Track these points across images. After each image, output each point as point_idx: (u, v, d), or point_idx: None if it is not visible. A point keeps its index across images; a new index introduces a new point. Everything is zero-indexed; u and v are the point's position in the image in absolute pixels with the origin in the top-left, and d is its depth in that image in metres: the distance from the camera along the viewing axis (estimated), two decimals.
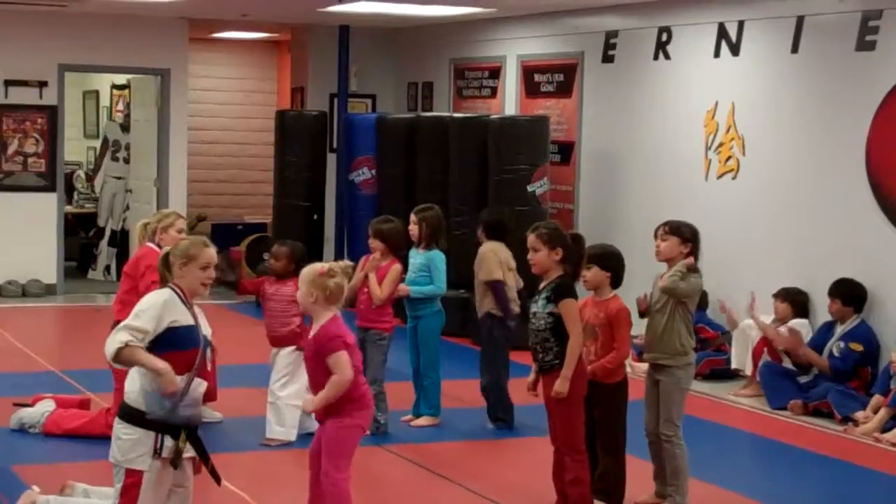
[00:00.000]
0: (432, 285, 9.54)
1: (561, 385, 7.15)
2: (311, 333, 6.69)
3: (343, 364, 6.48)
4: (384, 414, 9.22)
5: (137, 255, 9.11)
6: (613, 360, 7.54)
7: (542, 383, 7.35)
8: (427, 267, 9.55)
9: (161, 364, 6.56)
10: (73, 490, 7.05)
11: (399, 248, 9.37)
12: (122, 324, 6.60)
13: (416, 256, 9.68)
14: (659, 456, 7.70)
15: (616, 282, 7.68)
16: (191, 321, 6.79)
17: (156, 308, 6.65)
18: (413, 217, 9.70)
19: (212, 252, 6.92)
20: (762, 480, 8.63)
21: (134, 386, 6.71)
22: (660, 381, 7.63)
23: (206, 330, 6.93)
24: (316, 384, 6.62)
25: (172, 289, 6.79)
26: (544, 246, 7.32)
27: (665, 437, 7.59)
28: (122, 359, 6.53)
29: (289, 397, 8.97)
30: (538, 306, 7.31)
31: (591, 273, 7.61)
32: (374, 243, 9.32)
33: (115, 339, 6.52)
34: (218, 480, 6.98)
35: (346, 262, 6.96)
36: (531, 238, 7.40)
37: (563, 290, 7.26)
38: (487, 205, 13.50)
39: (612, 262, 7.67)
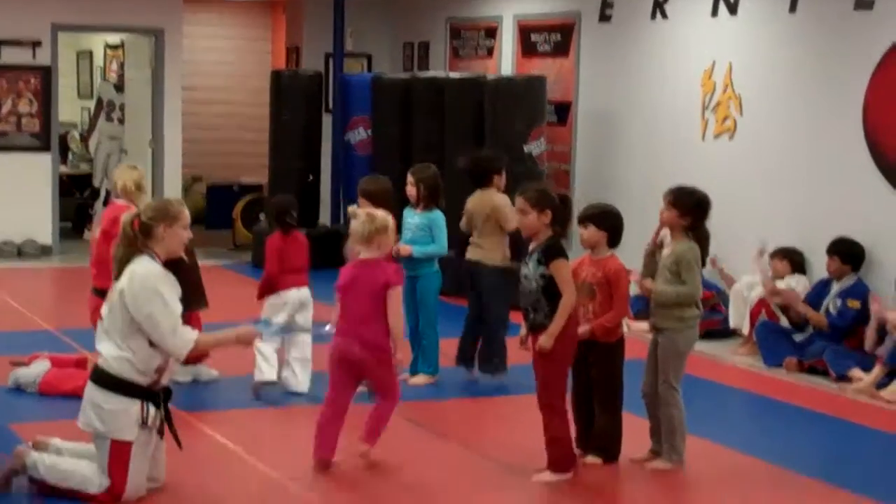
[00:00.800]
0: (434, 245, 9.53)
1: (546, 340, 7.17)
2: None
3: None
4: None
5: (115, 213, 8.80)
6: (612, 318, 7.57)
7: (531, 342, 7.37)
8: (427, 227, 9.54)
9: (228, 336, 6.82)
10: (46, 447, 6.95)
11: (387, 207, 9.31)
12: (171, 322, 6.56)
13: (414, 216, 9.66)
14: (655, 414, 7.72)
15: (613, 241, 7.68)
16: (175, 288, 6.78)
17: (169, 286, 6.65)
18: (410, 178, 9.67)
19: (188, 211, 6.92)
20: (757, 437, 8.65)
21: (111, 351, 6.65)
22: (659, 344, 7.64)
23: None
24: None
25: (151, 256, 6.72)
26: (533, 209, 7.29)
27: (663, 397, 7.61)
28: (197, 351, 6.74)
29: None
30: (529, 268, 7.30)
31: (588, 232, 7.62)
32: (362, 203, 9.25)
33: (185, 340, 6.61)
34: (179, 444, 6.94)
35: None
36: (519, 201, 7.39)
37: (553, 251, 7.25)
38: None
39: (609, 222, 7.67)
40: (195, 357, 9.24)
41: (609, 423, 7.65)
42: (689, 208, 7.59)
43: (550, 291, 7.21)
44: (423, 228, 9.55)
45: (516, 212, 7.46)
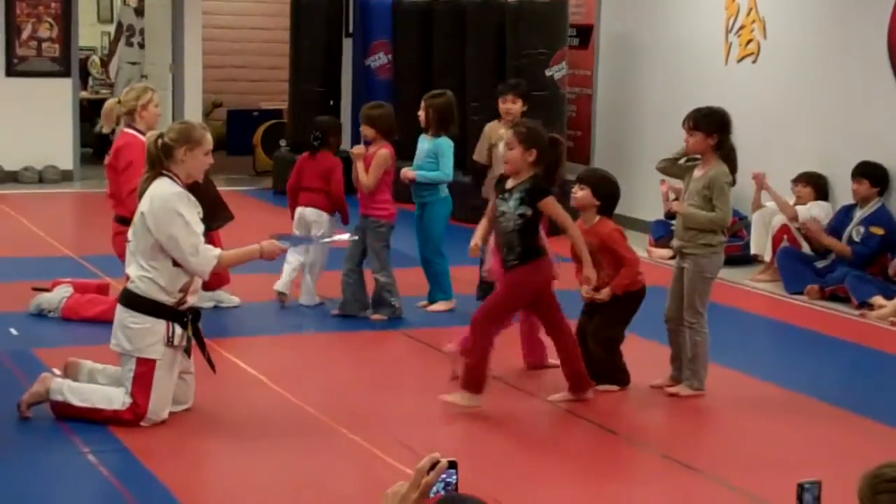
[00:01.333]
0: (438, 171, 9.49)
1: (606, 293, 7.60)
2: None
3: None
4: (396, 298, 9.27)
5: (118, 144, 8.88)
6: (626, 275, 7.63)
7: (502, 275, 7.45)
8: (434, 153, 9.51)
9: (252, 248, 6.81)
10: (78, 369, 7.03)
11: (390, 133, 9.29)
12: (193, 241, 6.59)
13: (424, 142, 9.65)
14: (676, 342, 7.73)
15: (606, 209, 7.70)
16: (199, 210, 6.81)
17: (190, 207, 6.67)
18: (423, 103, 9.65)
19: (210, 136, 6.93)
20: (778, 364, 8.66)
21: (137, 272, 6.71)
22: (684, 269, 7.62)
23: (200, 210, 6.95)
24: None
25: (171, 178, 6.75)
26: (519, 144, 7.18)
27: (688, 323, 7.60)
28: (218, 268, 6.76)
29: None
30: (508, 206, 7.19)
31: (583, 194, 7.65)
32: (365, 129, 9.29)
33: (208, 258, 6.64)
34: (213, 368, 7.02)
35: None
36: (508, 134, 7.32)
37: (539, 191, 7.15)
38: None
39: (607, 190, 7.72)
40: (216, 282, 9.31)
41: (605, 356, 7.68)
42: (713, 128, 7.52)
43: (526, 232, 7.14)
44: (429, 154, 9.52)
45: (504, 144, 7.39)
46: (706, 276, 7.60)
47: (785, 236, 11.02)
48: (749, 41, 12.18)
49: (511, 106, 9.68)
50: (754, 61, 12.14)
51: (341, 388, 7.76)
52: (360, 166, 9.16)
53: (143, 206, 6.70)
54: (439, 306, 9.63)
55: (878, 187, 10.58)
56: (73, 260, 10.93)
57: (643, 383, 7.74)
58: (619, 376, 7.73)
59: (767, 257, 11.17)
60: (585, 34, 14.37)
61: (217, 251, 6.76)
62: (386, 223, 9.23)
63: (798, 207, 10.97)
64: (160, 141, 6.76)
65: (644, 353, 8.07)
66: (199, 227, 6.71)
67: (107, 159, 8.98)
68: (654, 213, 11.96)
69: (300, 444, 6.67)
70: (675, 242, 7.76)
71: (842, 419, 7.40)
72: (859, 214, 10.60)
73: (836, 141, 11.22)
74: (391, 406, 7.30)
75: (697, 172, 7.59)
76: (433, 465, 2.99)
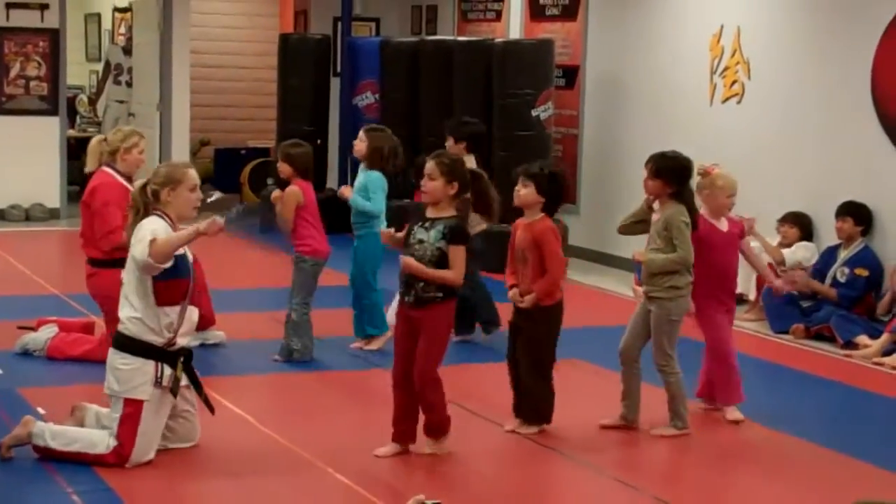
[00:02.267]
0: (370, 203, 9.34)
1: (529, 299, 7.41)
2: (726, 227, 7.86)
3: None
4: (300, 339, 9.11)
5: (94, 182, 8.80)
6: (547, 282, 7.43)
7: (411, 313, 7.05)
8: (364, 187, 9.39)
9: (190, 228, 6.62)
10: (85, 412, 7.02)
11: (306, 172, 9.16)
12: (141, 237, 6.57)
13: (360, 175, 9.54)
14: (628, 379, 7.69)
15: (550, 206, 7.51)
16: (183, 249, 6.81)
17: (163, 230, 6.66)
18: (361, 134, 9.58)
19: (195, 173, 6.94)
20: (762, 402, 8.65)
21: (128, 313, 6.72)
22: (652, 313, 7.61)
23: (189, 256, 6.95)
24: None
25: (160, 216, 6.78)
26: (441, 176, 6.99)
27: (658, 366, 7.61)
28: (160, 253, 6.52)
29: None
30: (429, 236, 6.96)
31: (527, 191, 7.44)
32: (282, 166, 9.17)
33: (142, 242, 6.51)
34: (211, 410, 7.03)
35: None
36: (429, 165, 7.05)
37: (460, 234, 6.97)
38: (492, 130, 13.47)
39: (552, 186, 7.49)
40: (202, 324, 9.30)
41: (537, 388, 7.52)
42: (674, 177, 7.54)
43: (441, 265, 6.94)
44: (361, 188, 9.40)
45: (425, 174, 7.09)
46: (672, 319, 7.57)
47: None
48: (734, 82, 12.25)
49: (452, 146, 9.80)
50: (739, 102, 12.21)
51: (328, 428, 7.74)
52: (278, 209, 9.15)
53: (132, 247, 6.72)
54: (375, 343, 9.58)
55: (861, 226, 10.63)
56: (59, 298, 10.92)
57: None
58: (542, 408, 7.55)
59: (752, 296, 11.20)
60: (572, 75, 14.44)
61: (150, 236, 6.59)
62: (309, 259, 9.09)
63: (784, 251, 11.00)
64: (147, 189, 6.82)
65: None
66: (154, 236, 6.67)
67: (84, 197, 8.85)
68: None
69: (286, 485, 6.65)
70: (643, 287, 7.69)
71: (826, 458, 7.40)
72: (843, 255, 10.64)
73: (820, 181, 11.27)
74: (378, 445, 7.28)
75: (655, 216, 7.61)
76: None
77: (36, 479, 6.54)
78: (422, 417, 7.12)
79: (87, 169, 9.03)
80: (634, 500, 6.74)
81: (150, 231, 6.60)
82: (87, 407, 7.07)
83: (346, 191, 9.54)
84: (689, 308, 7.69)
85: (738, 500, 6.84)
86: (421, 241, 7.01)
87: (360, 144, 9.51)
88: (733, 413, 7.94)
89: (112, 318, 8.34)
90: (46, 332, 9.13)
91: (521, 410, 7.63)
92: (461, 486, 6.81)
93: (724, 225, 7.94)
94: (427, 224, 7.03)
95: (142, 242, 6.57)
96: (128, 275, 6.75)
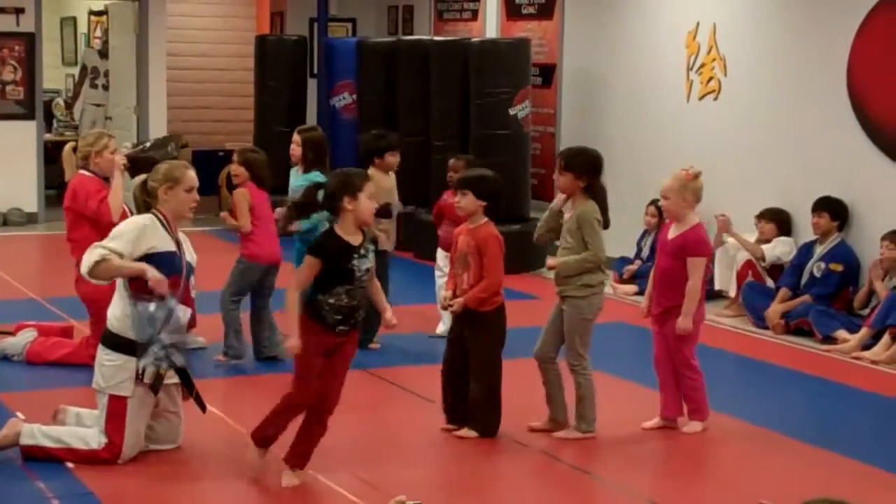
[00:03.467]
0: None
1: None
2: (674, 234, 7.49)
3: (699, 269, 7.30)
4: (227, 337, 9.07)
5: (72, 185, 8.79)
6: (484, 288, 7.33)
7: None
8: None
9: (139, 265, 6.63)
10: (66, 414, 7.08)
11: (261, 180, 9.11)
12: (95, 244, 6.65)
13: (297, 178, 9.40)
14: (547, 380, 7.58)
15: (492, 210, 7.41)
16: (172, 247, 6.83)
17: (134, 232, 6.71)
18: (296, 137, 9.48)
19: (194, 174, 6.99)
20: (743, 398, 8.69)
21: (116, 311, 6.77)
22: (564, 312, 7.50)
23: (189, 256, 6.97)
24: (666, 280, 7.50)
25: (155, 214, 6.85)
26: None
27: (571, 366, 7.50)
28: (99, 273, 6.65)
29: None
30: (368, 260, 6.55)
31: (467, 200, 7.34)
32: (237, 169, 9.09)
33: (91, 256, 6.60)
34: (203, 408, 7.04)
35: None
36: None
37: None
38: (469, 129, 13.49)
39: (489, 190, 7.39)
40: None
41: (483, 395, 7.38)
42: (584, 170, 7.45)
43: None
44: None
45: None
46: (585, 318, 7.47)
47: (749, 271, 11.09)
48: (710, 79, 12.27)
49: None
50: (715, 99, 12.23)
51: None
52: (229, 222, 9.16)
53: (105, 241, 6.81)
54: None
55: (837, 221, 10.67)
56: (37, 302, 10.89)
57: (617, 423, 7.74)
58: (488, 420, 7.41)
59: (732, 293, 11.24)
60: (548, 73, 14.45)
61: (101, 253, 6.61)
62: (245, 260, 9.05)
63: (764, 246, 11.04)
64: (145, 185, 6.90)
65: (637, 394, 8.08)
66: (114, 244, 6.67)
67: (65, 202, 8.85)
68: (619, 249, 12.00)
69: (267, 486, 6.65)
70: (556, 287, 7.55)
71: (806, 453, 7.43)
72: (819, 250, 10.68)
73: (797, 176, 11.30)
74: (357, 445, 7.28)
75: (567, 214, 7.52)
76: None
77: (18, 485, 6.52)
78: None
79: (67, 178, 9.02)
80: (620, 497, 6.75)
81: (104, 245, 6.63)
82: (67, 409, 7.14)
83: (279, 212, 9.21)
84: (601, 306, 7.54)
85: (716, 494, 6.85)
86: (368, 270, 6.58)
87: (297, 147, 9.40)
88: (693, 426, 7.72)
89: (98, 320, 8.37)
90: (25, 337, 9.12)
91: (465, 417, 7.45)
92: (444, 487, 6.82)
93: (672, 232, 7.68)
94: (365, 248, 6.52)
95: (93, 256, 6.62)
96: None
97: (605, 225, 7.49)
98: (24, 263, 13.76)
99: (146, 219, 6.85)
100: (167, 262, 6.76)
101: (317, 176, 9.15)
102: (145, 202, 6.94)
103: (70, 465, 6.74)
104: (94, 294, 8.10)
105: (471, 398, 7.41)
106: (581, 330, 7.48)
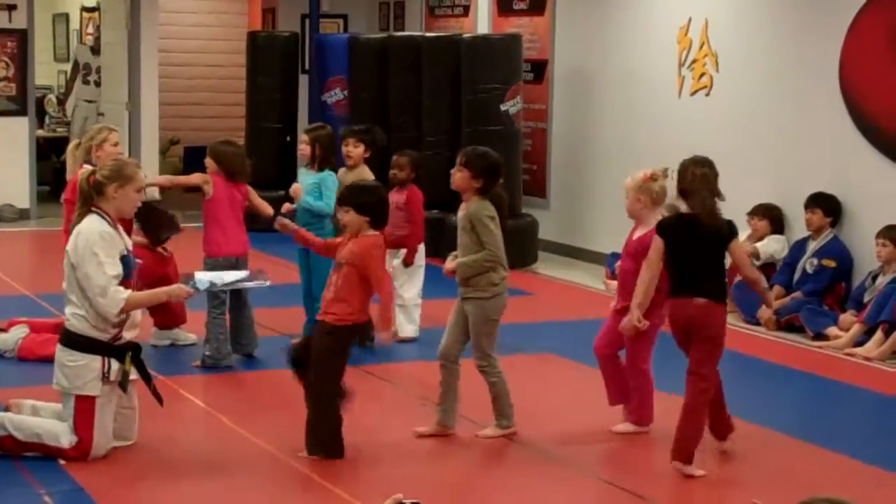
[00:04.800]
0: (321, 202, 9.20)
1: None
2: (637, 235, 7.37)
3: (649, 269, 7.14)
4: (209, 343, 8.92)
5: (74, 179, 8.66)
6: (384, 304, 7.02)
7: None
8: (318, 187, 9.26)
9: (160, 292, 6.77)
10: (21, 408, 7.05)
11: (236, 173, 8.93)
12: (103, 282, 6.58)
13: (308, 177, 9.37)
14: (447, 381, 7.41)
15: (376, 223, 7.05)
16: (127, 246, 6.83)
17: (111, 248, 6.67)
18: (304, 137, 9.50)
19: (142, 175, 6.94)
20: (734, 394, 8.65)
21: (75, 310, 6.73)
22: (469, 313, 7.35)
23: (130, 245, 6.94)
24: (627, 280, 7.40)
25: (100, 215, 6.75)
26: (465, 168, 7.29)
27: (480, 367, 7.39)
28: (128, 307, 6.70)
29: (413, 298, 9.71)
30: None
31: (349, 217, 7.03)
32: (207, 162, 8.96)
33: (116, 300, 6.59)
34: (160, 401, 7.02)
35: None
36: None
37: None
38: (461, 125, 13.49)
39: (369, 204, 7.05)
40: (172, 321, 9.33)
41: (316, 416, 6.95)
42: (482, 171, 7.31)
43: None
44: (314, 189, 9.25)
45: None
46: (492, 319, 7.34)
47: None
48: (702, 74, 12.28)
49: (352, 150, 9.65)
50: (707, 94, 12.24)
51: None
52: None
53: (70, 242, 6.76)
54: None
55: (830, 217, 10.67)
56: (30, 298, 10.88)
57: (606, 419, 7.74)
58: (330, 446, 6.96)
59: None
60: (540, 69, 14.45)
61: (126, 294, 6.64)
62: (211, 260, 8.86)
63: (757, 244, 11.04)
64: (92, 178, 6.78)
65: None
66: (114, 269, 6.64)
67: (64, 195, 8.92)
68: (610, 245, 12.01)
69: (256, 482, 6.65)
70: (460, 291, 7.40)
71: (798, 449, 7.43)
72: (812, 246, 10.69)
73: (790, 173, 11.31)
74: (351, 444, 7.28)
75: (460, 212, 7.43)
76: None
77: (8, 479, 6.52)
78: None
79: (69, 175, 9.03)
80: (611, 496, 6.75)
81: (108, 276, 6.61)
82: (22, 403, 7.10)
83: (296, 189, 9.28)
84: (505, 305, 7.42)
85: (709, 491, 6.86)
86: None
87: (306, 147, 9.37)
88: (625, 426, 7.61)
89: None
90: (17, 333, 9.11)
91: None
92: (441, 486, 6.82)
93: (637, 233, 7.57)
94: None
95: (112, 298, 6.59)
96: (68, 272, 6.76)
97: (502, 222, 7.35)
98: (16, 259, 13.74)
99: (101, 225, 6.72)
100: (128, 263, 6.78)
101: (326, 173, 9.29)
102: (91, 196, 6.76)
103: (61, 460, 6.75)
104: None
105: (308, 418, 7.00)
106: (487, 331, 7.34)
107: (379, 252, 7.06)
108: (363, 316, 6.98)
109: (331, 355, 6.92)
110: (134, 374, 6.93)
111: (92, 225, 6.71)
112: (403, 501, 2.91)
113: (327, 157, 9.40)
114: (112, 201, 6.76)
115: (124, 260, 6.74)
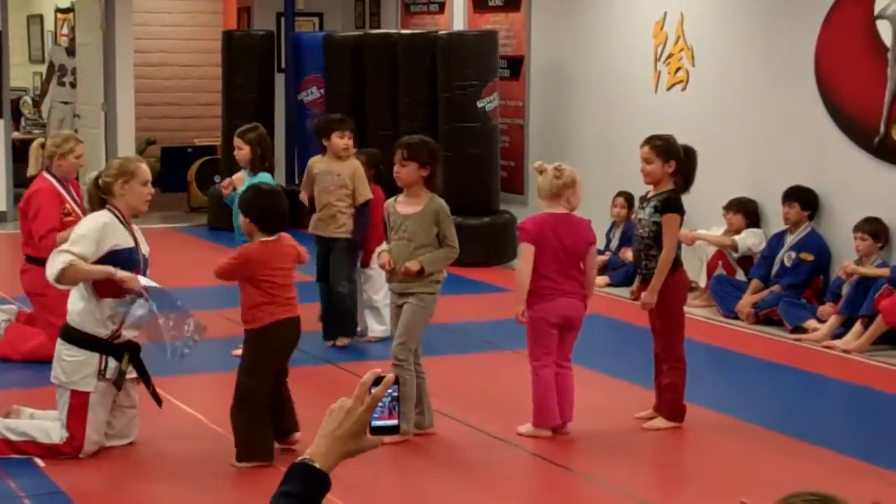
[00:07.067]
0: None
1: (648, 297, 7.43)
2: None
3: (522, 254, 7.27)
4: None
5: (30, 189, 8.74)
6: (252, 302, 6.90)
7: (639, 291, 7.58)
8: None
9: (105, 268, 6.62)
10: (19, 414, 7.09)
11: (269, 155, 9.09)
12: (59, 248, 6.63)
13: (247, 179, 9.05)
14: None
15: (266, 227, 6.83)
16: (131, 243, 6.84)
17: (96, 232, 6.69)
18: (238, 140, 9.19)
19: (147, 167, 6.97)
20: (713, 388, 8.70)
21: (76, 307, 6.75)
22: (405, 304, 7.25)
23: (144, 249, 6.96)
24: None
25: (111, 211, 6.81)
26: (658, 157, 7.45)
27: (396, 360, 7.20)
28: (66, 279, 6.63)
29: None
30: (645, 213, 7.50)
31: (245, 221, 6.87)
32: (238, 144, 9.02)
33: (56, 262, 6.57)
34: (159, 402, 7.03)
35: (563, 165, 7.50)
36: (644, 150, 7.50)
37: (672, 203, 7.46)
38: (438, 123, 13.48)
39: (254, 209, 6.85)
40: None
41: (234, 420, 6.85)
42: (427, 159, 7.24)
43: (661, 240, 7.41)
44: None
45: (641, 160, 7.51)
46: (429, 312, 7.28)
47: (719, 262, 11.12)
48: (678, 69, 12.30)
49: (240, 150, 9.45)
50: (683, 89, 12.26)
51: None
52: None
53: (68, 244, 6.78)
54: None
55: (808, 210, 10.70)
56: (5, 301, 10.84)
57: (595, 417, 7.75)
58: (256, 449, 6.80)
59: (703, 284, 11.26)
60: (516, 65, 14.46)
61: (67, 259, 6.56)
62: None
63: (735, 237, 11.06)
64: (99, 181, 6.86)
65: (596, 385, 8.10)
66: (80, 248, 6.62)
67: (21, 202, 8.87)
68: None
69: (238, 484, 6.64)
70: (393, 284, 7.34)
71: (778, 443, 7.45)
72: (790, 240, 10.71)
73: (766, 166, 11.34)
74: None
75: (409, 209, 7.26)
76: (377, 380, 2.98)
77: None
78: None
79: (29, 172, 9.00)
80: (598, 492, 6.77)
81: (68, 250, 6.58)
82: (21, 410, 7.13)
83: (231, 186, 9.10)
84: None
85: (690, 485, 6.87)
86: (640, 221, 7.56)
87: (245, 150, 9.12)
88: (527, 427, 7.42)
89: (41, 314, 8.37)
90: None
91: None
92: (437, 486, 6.82)
93: None
94: (644, 203, 7.56)
95: (58, 262, 6.58)
96: None
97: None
98: None
99: (104, 216, 6.81)
100: (127, 259, 6.77)
101: (263, 175, 8.90)
102: (100, 198, 6.88)
103: (41, 463, 6.74)
104: (37, 288, 8.16)
105: (233, 425, 6.89)
106: (422, 324, 7.26)
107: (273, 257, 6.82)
108: (278, 312, 6.80)
109: (252, 362, 6.87)
110: (133, 374, 6.94)
111: (95, 216, 6.79)
112: (383, 375, 2.92)
113: (263, 159, 9.12)
114: (122, 198, 6.84)
115: (124, 253, 6.73)
